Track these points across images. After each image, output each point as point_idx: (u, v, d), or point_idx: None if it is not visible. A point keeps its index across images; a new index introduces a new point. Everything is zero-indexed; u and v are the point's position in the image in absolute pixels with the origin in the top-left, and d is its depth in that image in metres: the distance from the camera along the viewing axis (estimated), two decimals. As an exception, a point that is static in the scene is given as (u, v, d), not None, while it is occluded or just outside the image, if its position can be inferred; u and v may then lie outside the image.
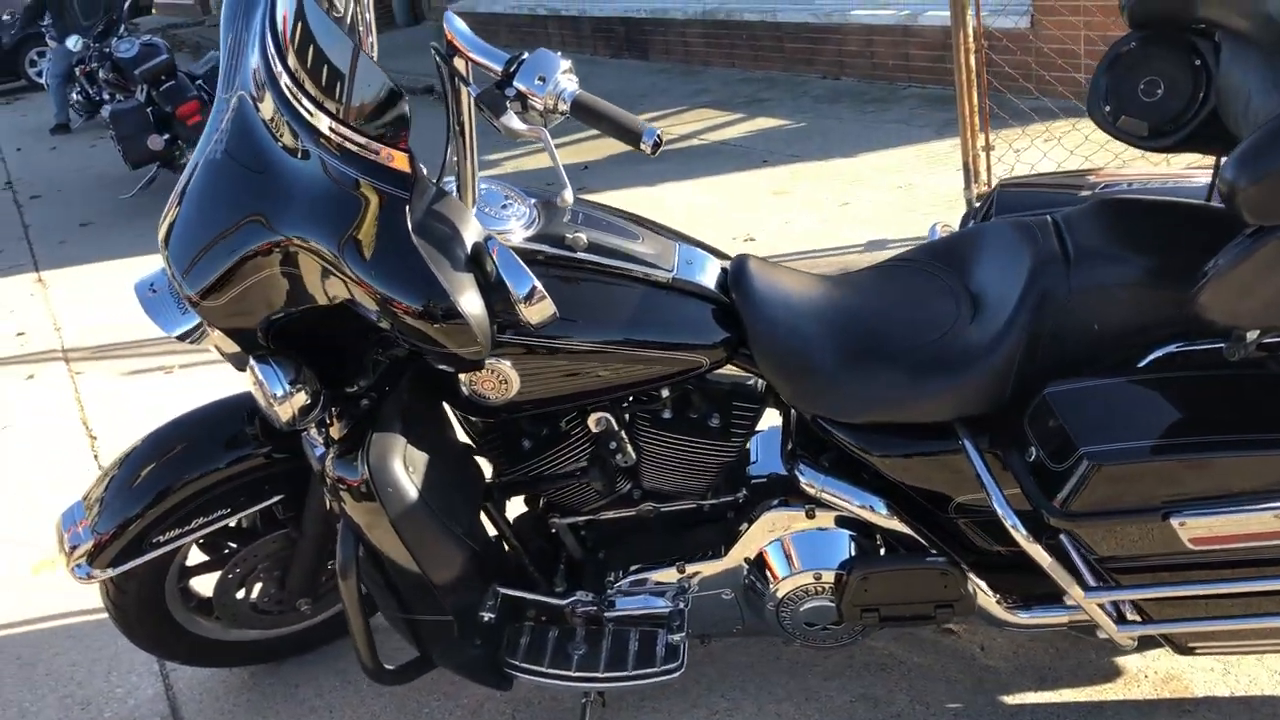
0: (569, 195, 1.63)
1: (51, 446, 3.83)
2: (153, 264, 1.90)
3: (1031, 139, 4.90)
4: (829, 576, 1.97)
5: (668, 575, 2.07)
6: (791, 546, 1.99)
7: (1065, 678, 2.15)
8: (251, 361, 1.78)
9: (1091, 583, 1.76)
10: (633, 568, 2.10)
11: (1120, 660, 2.16)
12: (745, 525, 2.01)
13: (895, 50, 7.16)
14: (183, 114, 6.56)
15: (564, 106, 1.58)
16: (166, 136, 6.64)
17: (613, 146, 6.34)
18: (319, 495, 2.11)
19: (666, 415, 1.99)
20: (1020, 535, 1.74)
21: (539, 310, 1.65)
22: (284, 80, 1.68)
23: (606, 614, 2.08)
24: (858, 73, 7.50)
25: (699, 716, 2.19)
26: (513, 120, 1.59)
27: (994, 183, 4.46)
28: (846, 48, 7.55)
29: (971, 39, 4.22)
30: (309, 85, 1.65)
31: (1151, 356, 1.73)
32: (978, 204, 2.19)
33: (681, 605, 2.05)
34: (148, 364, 4.43)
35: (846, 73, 7.60)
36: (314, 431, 1.93)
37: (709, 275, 1.93)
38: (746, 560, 2.03)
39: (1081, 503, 1.63)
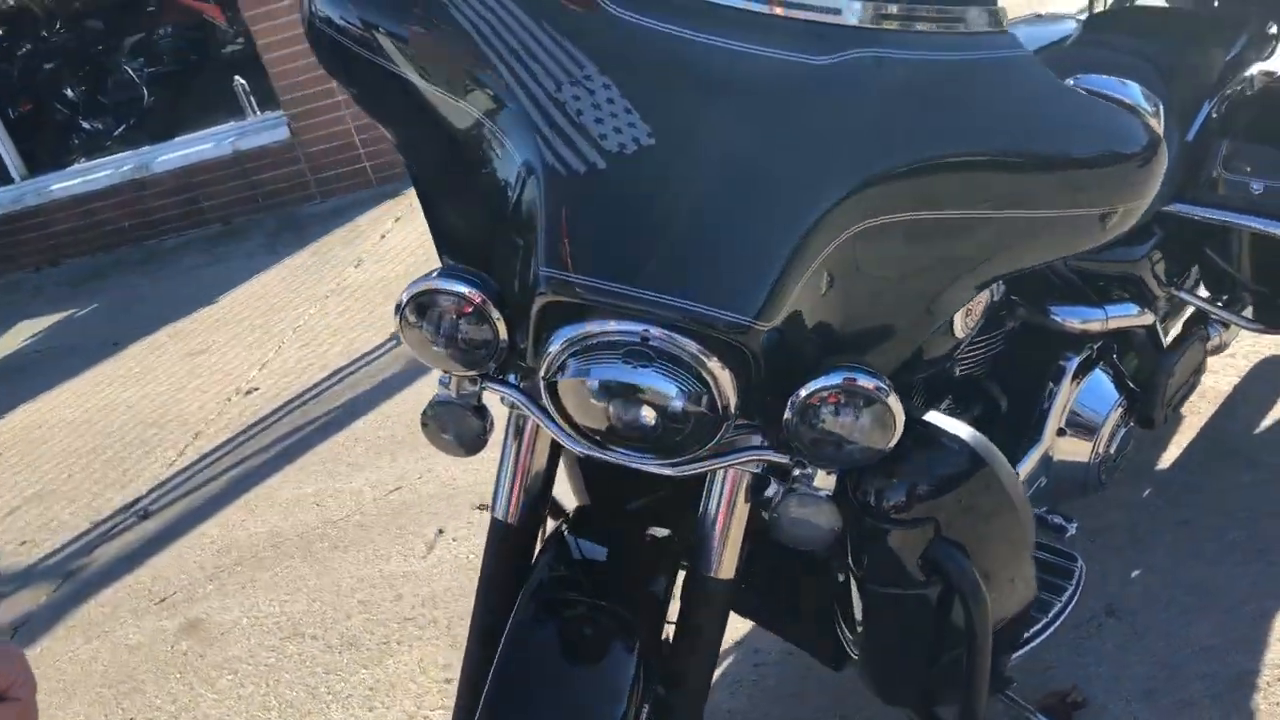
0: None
1: None
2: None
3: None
4: (1123, 402, 1.96)
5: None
6: (1091, 393, 1.94)
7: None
8: None
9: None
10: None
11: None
12: (1047, 403, 1.90)
13: (129, 210, 6.42)
14: None
15: None
16: None
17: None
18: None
19: None
20: None
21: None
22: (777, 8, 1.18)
23: None
24: (83, 250, 6.57)
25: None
26: None
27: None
28: (57, 228, 6.56)
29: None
30: None
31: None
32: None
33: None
34: None
35: (67, 255, 6.60)
36: None
37: None
38: (1060, 432, 1.91)
39: None
